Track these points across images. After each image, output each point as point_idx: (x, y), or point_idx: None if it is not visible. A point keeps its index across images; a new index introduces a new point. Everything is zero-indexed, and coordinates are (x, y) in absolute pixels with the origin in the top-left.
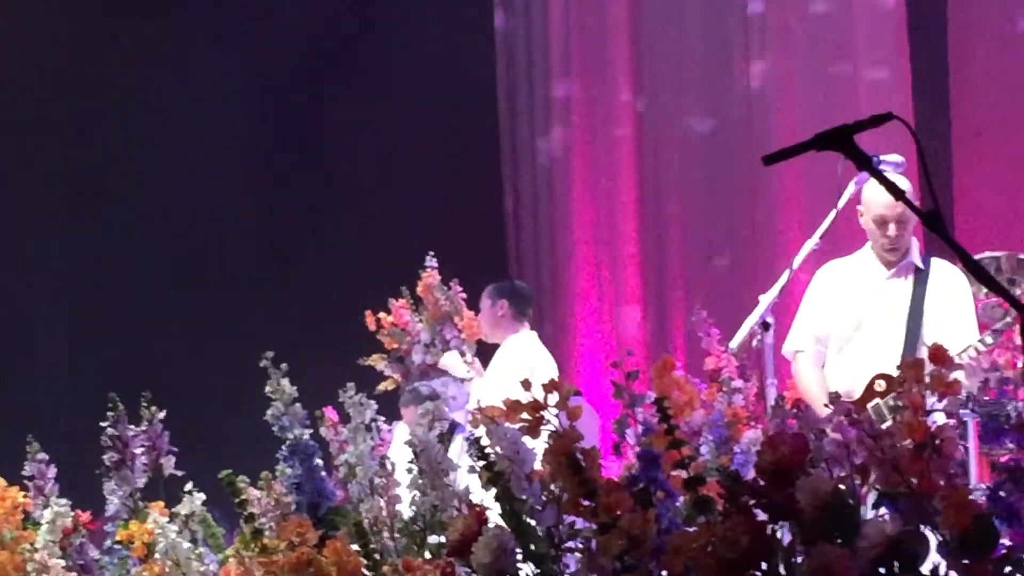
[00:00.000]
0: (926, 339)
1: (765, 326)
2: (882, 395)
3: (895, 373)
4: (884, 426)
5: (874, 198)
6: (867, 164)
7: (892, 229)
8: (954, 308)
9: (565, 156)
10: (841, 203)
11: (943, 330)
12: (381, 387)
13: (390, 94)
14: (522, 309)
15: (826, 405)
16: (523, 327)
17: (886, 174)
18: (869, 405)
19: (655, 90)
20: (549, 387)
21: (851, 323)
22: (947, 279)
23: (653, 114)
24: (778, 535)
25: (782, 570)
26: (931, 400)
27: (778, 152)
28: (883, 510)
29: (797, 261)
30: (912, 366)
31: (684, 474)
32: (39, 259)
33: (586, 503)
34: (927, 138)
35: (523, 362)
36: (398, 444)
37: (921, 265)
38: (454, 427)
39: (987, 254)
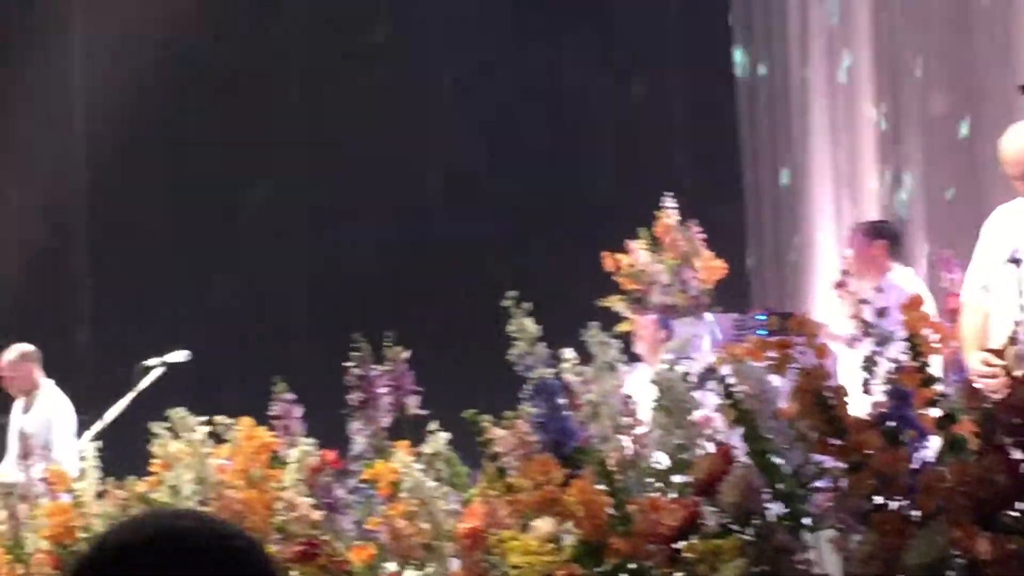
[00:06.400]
0: None
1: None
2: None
3: None
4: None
5: (1000, 153)
6: None
7: (1020, 186)
8: None
9: (801, 86)
10: None
11: None
12: (621, 328)
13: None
14: (897, 248)
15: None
16: (897, 264)
17: None
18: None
19: None
20: (795, 323)
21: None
22: None
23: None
24: None
25: None
26: None
27: None
28: None
29: None
30: None
31: (935, 412)
32: (275, 205)
33: (834, 442)
34: None
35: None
36: (641, 384)
37: None
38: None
39: None
